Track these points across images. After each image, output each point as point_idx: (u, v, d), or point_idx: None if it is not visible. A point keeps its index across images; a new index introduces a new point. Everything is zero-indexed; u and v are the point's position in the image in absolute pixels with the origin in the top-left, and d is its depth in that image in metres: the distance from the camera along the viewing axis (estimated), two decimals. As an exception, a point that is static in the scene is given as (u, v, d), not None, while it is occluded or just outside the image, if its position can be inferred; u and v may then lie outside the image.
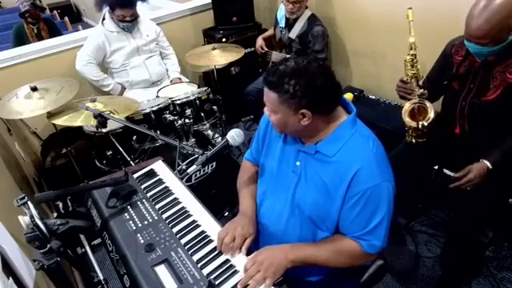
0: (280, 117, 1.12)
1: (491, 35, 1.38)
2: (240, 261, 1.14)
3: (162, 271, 1.10)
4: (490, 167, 1.52)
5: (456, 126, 1.72)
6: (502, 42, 1.41)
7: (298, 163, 1.21)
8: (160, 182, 1.46)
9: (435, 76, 1.81)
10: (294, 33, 2.76)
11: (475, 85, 1.59)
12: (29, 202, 0.97)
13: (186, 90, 2.53)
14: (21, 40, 3.53)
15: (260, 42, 3.02)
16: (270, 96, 1.11)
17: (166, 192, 1.41)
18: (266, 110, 1.19)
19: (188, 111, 2.36)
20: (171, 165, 1.57)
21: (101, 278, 1.59)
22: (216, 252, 1.16)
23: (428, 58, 1.84)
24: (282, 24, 2.84)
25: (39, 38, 3.55)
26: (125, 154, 2.17)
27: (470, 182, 1.53)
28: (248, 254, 1.17)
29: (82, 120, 1.99)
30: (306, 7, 2.74)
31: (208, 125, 2.58)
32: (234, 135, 1.36)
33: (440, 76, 1.76)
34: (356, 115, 1.18)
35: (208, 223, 1.26)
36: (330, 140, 1.14)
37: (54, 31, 3.73)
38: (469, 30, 1.42)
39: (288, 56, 2.74)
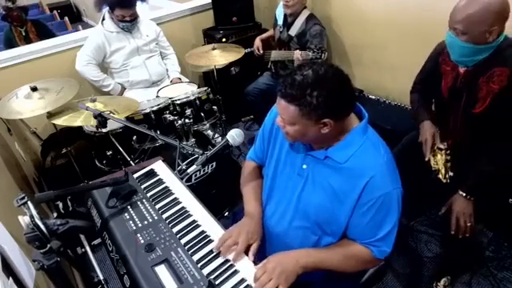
0: (299, 128, 1.07)
1: (468, 22, 1.36)
2: (241, 261, 1.14)
3: (161, 271, 1.10)
4: (464, 194, 1.55)
5: (449, 139, 1.71)
6: (478, 42, 1.39)
7: (304, 166, 1.19)
8: (160, 181, 1.46)
9: (424, 78, 1.80)
10: (293, 31, 2.76)
11: (464, 97, 1.56)
12: (29, 202, 0.97)
13: (186, 90, 2.54)
14: (10, 44, 3.46)
15: (257, 43, 3.00)
16: (288, 109, 1.04)
17: (166, 192, 1.41)
18: (279, 121, 1.12)
19: (188, 111, 2.36)
20: (171, 165, 1.56)
21: (101, 277, 1.59)
22: (216, 252, 1.16)
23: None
24: (280, 22, 2.84)
25: (27, 40, 3.46)
26: (125, 154, 2.17)
27: (459, 218, 1.55)
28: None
29: (82, 120, 2.00)
30: (305, 7, 2.74)
31: (208, 125, 2.58)
32: (234, 135, 1.36)
33: (429, 78, 1.75)
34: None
35: (208, 223, 1.26)
36: (342, 146, 1.12)
37: (44, 32, 3.61)
38: (450, 17, 1.42)
39: (288, 51, 2.73)
